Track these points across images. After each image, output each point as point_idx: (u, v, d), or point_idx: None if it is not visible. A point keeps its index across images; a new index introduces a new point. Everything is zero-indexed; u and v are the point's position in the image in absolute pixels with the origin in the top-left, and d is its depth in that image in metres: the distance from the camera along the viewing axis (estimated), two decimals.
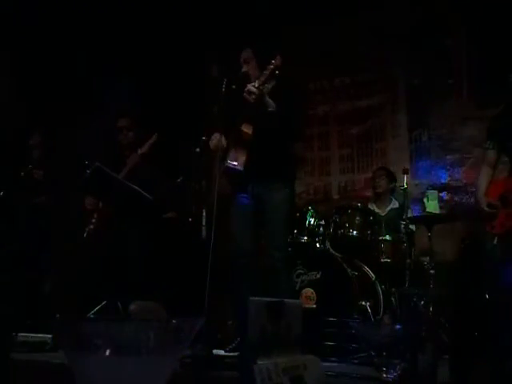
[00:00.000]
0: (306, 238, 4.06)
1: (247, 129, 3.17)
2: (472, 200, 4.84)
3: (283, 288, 3.08)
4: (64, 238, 4.47)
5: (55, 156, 4.74)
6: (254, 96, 3.03)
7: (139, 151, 4.01)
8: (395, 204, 4.52)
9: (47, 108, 5.05)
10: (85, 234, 4.01)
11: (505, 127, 3.21)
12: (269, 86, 3.19)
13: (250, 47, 3.34)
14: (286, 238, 3.44)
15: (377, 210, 4.54)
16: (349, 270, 3.74)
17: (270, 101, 3.14)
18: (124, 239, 3.90)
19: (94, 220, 4.02)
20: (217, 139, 3.16)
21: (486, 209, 3.14)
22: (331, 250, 4.01)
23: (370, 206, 4.62)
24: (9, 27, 4.92)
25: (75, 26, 5.26)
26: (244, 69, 3.27)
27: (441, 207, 4.49)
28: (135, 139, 4.15)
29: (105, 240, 3.97)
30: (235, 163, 3.17)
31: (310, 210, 4.15)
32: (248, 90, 3.04)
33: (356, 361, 3.06)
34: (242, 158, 3.17)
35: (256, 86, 3.06)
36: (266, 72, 3.11)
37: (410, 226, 4.17)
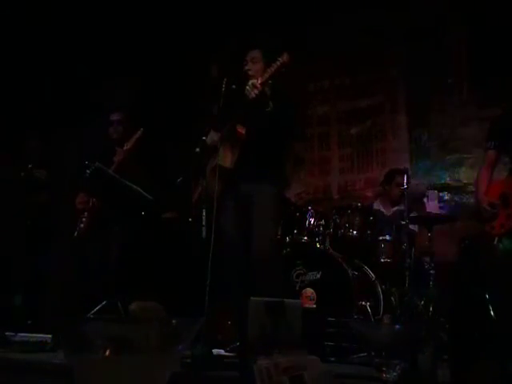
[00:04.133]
0: (305, 237, 4.06)
1: (241, 129, 3.17)
2: (472, 200, 4.84)
3: (277, 288, 3.07)
4: (64, 236, 4.47)
5: (57, 155, 4.74)
6: (256, 91, 3.01)
7: (125, 147, 4.00)
8: (401, 206, 4.50)
9: (46, 108, 5.05)
10: (75, 233, 4.00)
11: (506, 128, 3.21)
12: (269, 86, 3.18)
13: (259, 48, 3.32)
14: (275, 238, 3.45)
15: (382, 209, 4.54)
16: (349, 270, 3.74)
17: (269, 100, 3.13)
18: (116, 238, 3.90)
19: (84, 219, 4.01)
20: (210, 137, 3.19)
21: (487, 208, 3.13)
22: (331, 250, 4.01)
23: (375, 205, 4.61)
24: (6, 26, 4.92)
25: (74, 24, 5.25)
26: (248, 67, 3.26)
27: (441, 207, 4.49)
28: (125, 134, 4.14)
29: (96, 239, 3.96)
30: (226, 161, 3.17)
31: (309, 209, 4.15)
32: (252, 84, 3.02)
33: (356, 361, 3.06)
34: (233, 157, 3.17)
35: (259, 82, 3.05)
36: (272, 69, 3.09)
37: (412, 227, 4.16)
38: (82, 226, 3.99)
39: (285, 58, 3.07)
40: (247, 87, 3.03)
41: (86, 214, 4.01)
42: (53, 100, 5.15)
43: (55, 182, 4.57)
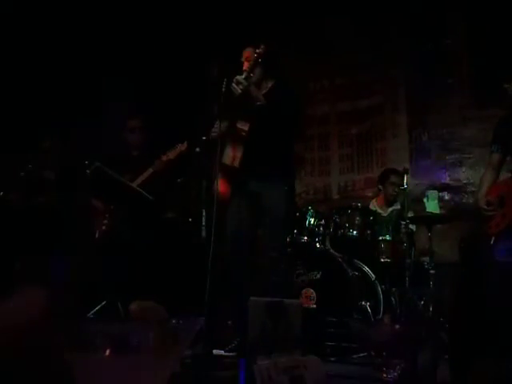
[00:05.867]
0: (305, 238, 4.05)
1: (243, 126, 3.17)
2: (472, 200, 4.85)
3: (282, 288, 3.07)
4: (73, 237, 4.48)
5: (68, 157, 4.73)
6: (241, 86, 3.03)
7: (164, 157, 3.99)
8: (397, 205, 4.50)
9: (57, 110, 5.04)
10: (96, 235, 4.01)
11: (510, 129, 3.21)
12: (255, 78, 3.20)
13: (253, 46, 3.33)
14: (285, 238, 3.43)
15: (379, 211, 4.53)
16: (349, 270, 3.74)
17: (258, 94, 3.13)
18: (132, 239, 3.91)
19: (105, 221, 4.02)
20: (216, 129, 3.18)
21: (484, 207, 3.15)
22: (331, 250, 4.01)
23: (371, 206, 4.60)
24: (13, 28, 4.92)
25: (77, 26, 5.26)
26: (245, 67, 3.26)
27: (441, 207, 4.48)
28: (145, 140, 4.19)
29: (117, 241, 3.96)
30: (231, 160, 3.17)
31: (309, 209, 4.15)
32: (236, 81, 3.05)
33: (356, 361, 3.06)
34: (238, 156, 3.17)
35: (243, 77, 3.07)
36: (252, 62, 3.13)
37: (410, 226, 4.16)
38: (103, 228, 3.99)
39: (261, 48, 3.11)
40: (232, 84, 3.05)
41: (107, 216, 4.01)
42: (66, 100, 5.14)
43: (66, 184, 4.55)
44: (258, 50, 3.13)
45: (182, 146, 3.98)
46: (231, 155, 3.18)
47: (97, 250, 4.05)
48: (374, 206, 4.62)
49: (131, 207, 3.89)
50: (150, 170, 3.98)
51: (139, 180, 3.94)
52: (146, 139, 4.22)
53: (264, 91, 3.27)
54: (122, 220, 3.96)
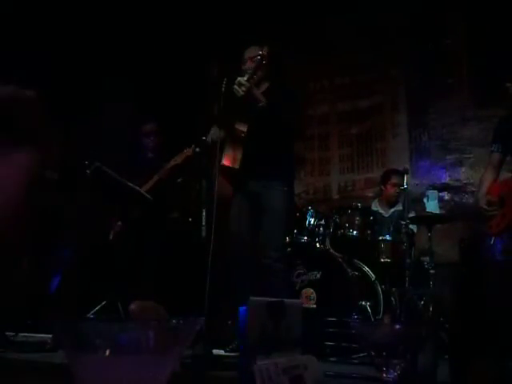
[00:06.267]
0: (305, 237, 4.06)
1: (241, 127, 3.16)
2: (472, 200, 4.85)
3: (282, 288, 3.07)
4: (79, 238, 4.50)
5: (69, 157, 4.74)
6: (243, 88, 3.02)
7: (172, 162, 4.03)
8: (399, 206, 4.50)
9: (57, 110, 5.03)
10: (110, 237, 4.04)
11: (511, 129, 3.21)
12: (257, 79, 3.20)
13: (257, 45, 3.33)
14: (284, 238, 3.43)
15: (380, 211, 4.53)
16: (349, 270, 3.74)
17: (260, 96, 3.13)
18: (145, 241, 3.94)
19: (119, 223, 4.06)
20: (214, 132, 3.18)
21: (484, 207, 3.15)
22: (331, 250, 4.01)
23: (373, 206, 4.60)
24: (12, 28, 4.92)
25: (78, 27, 5.26)
26: (247, 66, 3.26)
27: (441, 207, 4.49)
28: (160, 143, 4.30)
29: (131, 243, 3.98)
30: (231, 162, 3.17)
31: (309, 209, 4.15)
32: (238, 82, 3.04)
33: (356, 361, 3.06)
34: (238, 157, 3.16)
35: (245, 78, 3.06)
36: (253, 64, 3.12)
37: (411, 227, 4.16)
38: (117, 230, 4.04)
39: (264, 51, 3.10)
40: (234, 86, 3.04)
41: (121, 218, 4.06)
42: (66, 100, 5.15)
43: (73, 184, 4.56)
44: (261, 52, 3.12)
45: (188, 151, 4.02)
46: (231, 157, 3.18)
47: (110, 250, 4.09)
48: (376, 206, 4.62)
49: (131, 207, 3.89)
50: (156, 178, 4.03)
51: (148, 186, 3.99)
52: (160, 142, 4.31)
53: (261, 90, 3.27)
54: (132, 222, 3.99)
